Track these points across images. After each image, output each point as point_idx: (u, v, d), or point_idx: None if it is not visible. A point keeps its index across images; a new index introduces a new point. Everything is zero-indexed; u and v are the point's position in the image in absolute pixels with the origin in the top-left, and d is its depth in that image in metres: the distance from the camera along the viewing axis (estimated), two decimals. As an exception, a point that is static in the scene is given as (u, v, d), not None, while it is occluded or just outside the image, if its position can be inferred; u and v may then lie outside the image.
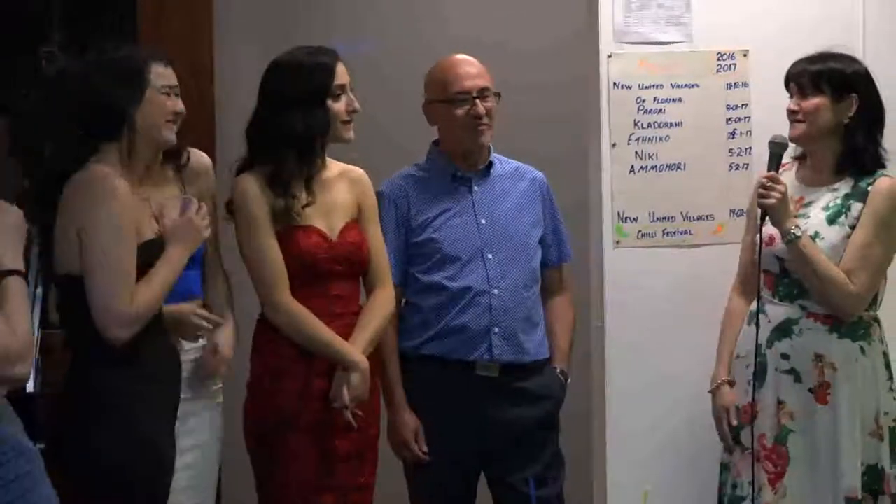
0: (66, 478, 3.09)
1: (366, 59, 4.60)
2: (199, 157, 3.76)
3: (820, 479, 3.74)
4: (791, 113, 3.82)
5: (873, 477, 3.75)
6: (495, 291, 3.95)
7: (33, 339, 2.78)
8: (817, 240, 3.75)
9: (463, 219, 4.00)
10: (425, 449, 3.95)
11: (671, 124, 4.19)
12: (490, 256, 3.97)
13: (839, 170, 3.82)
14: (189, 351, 3.65)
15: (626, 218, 4.18)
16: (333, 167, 3.82)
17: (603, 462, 4.20)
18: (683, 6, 4.19)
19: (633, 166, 4.18)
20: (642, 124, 4.18)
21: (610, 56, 4.17)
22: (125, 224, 3.26)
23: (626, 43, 4.19)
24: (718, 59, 4.20)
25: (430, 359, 3.95)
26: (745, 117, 4.20)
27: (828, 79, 3.77)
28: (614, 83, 4.17)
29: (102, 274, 3.23)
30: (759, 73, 4.16)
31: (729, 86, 4.21)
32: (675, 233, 4.20)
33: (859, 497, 3.71)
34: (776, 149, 3.82)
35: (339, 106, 3.72)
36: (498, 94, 4.00)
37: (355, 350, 3.69)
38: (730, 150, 4.21)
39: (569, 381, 4.08)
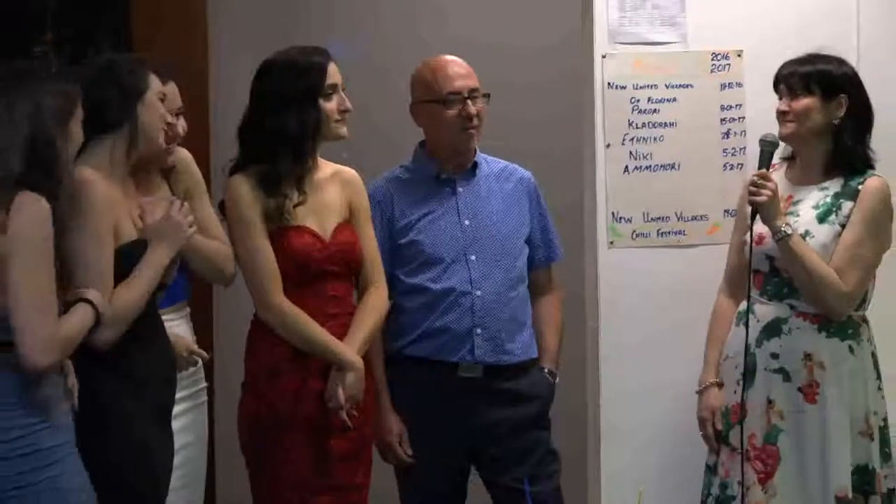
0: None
1: (362, 59, 4.61)
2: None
3: (810, 478, 3.73)
4: (781, 114, 3.82)
5: (864, 477, 3.75)
6: (478, 293, 3.94)
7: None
8: (807, 238, 3.74)
9: (446, 220, 3.99)
10: (410, 452, 3.95)
11: (665, 124, 4.18)
12: (473, 258, 3.97)
13: (828, 170, 3.82)
14: None
15: (620, 218, 4.17)
16: (326, 168, 3.82)
17: (597, 462, 4.19)
18: (678, 6, 4.18)
19: (627, 166, 4.17)
20: (636, 124, 4.17)
21: (604, 56, 4.16)
22: (102, 232, 3.24)
23: (621, 43, 4.17)
24: (713, 60, 4.19)
25: (414, 360, 3.95)
26: (740, 117, 4.19)
27: (817, 80, 3.77)
28: (608, 83, 4.16)
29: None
30: (754, 74, 4.14)
31: (723, 86, 4.19)
32: (669, 233, 4.19)
33: (850, 496, 3.71)
34: (767, 147, 3.82)
35: (330, 105, 3.72)
36: (487, 95, 4.00)
37: (350, 350, 3.69)
38: (724, 151, 4.19)
39: (557, 380, 4.08)
